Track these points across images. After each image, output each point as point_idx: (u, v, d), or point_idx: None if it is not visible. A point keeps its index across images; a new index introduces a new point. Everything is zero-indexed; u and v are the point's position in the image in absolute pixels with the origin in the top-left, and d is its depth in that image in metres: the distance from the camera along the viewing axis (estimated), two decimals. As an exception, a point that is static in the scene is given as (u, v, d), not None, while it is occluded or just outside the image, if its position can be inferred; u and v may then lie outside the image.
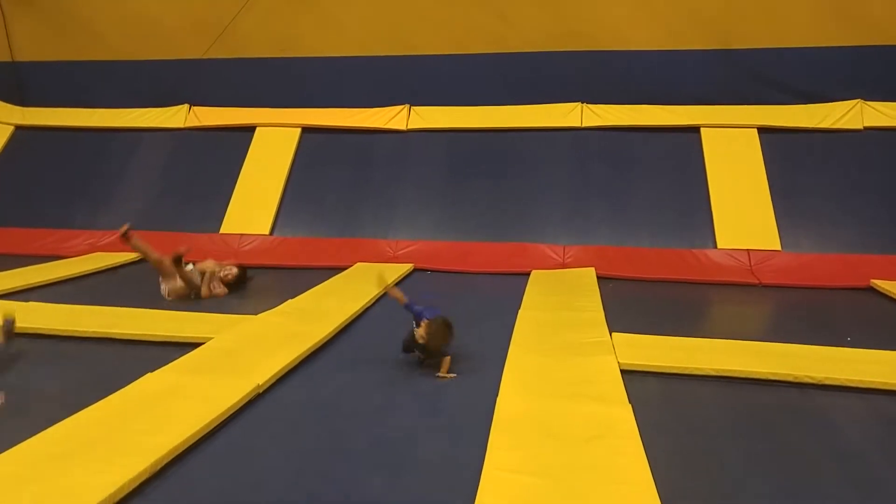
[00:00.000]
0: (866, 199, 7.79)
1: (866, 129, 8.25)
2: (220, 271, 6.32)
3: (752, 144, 8.38)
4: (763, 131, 8.43)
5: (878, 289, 6.55)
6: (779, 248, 7.53)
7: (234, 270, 6.36)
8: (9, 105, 10.19)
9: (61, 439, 2.92)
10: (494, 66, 9.25)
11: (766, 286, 6.90)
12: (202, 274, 6.17)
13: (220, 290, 6.21)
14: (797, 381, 3.87)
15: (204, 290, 6.07)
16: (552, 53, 9.07)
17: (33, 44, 10.17)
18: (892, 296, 6.24)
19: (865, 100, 8.37)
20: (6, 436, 2.93)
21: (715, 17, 8.64)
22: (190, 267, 6.10)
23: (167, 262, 5.92)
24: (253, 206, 8.70)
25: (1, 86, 10.27)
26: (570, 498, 2.51)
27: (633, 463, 2.74)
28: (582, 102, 8.98)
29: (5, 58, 10.26)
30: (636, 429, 3.04)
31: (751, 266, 7.38)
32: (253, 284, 6.67)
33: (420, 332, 3.99)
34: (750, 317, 6.11)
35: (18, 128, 9.99)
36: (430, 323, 3.98)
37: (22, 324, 4.79)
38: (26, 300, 5.62)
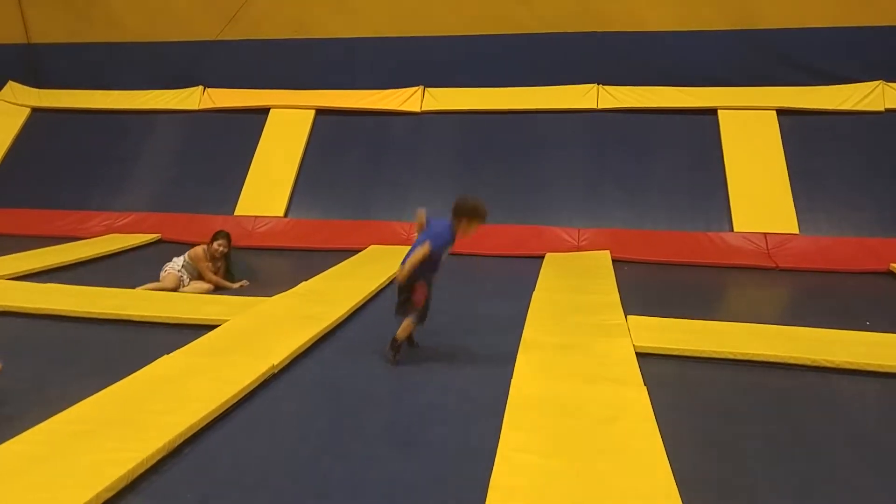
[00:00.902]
0: (886, 182, 7.67)
1: (888, 110, 8.11)
2: (208, 254, 6.00)
3: (770, 126, 8.26)
4: (781, 113, 8.32)
5: (897, 273, 6.47)
6: (797, 231, 7.45)
7: (222, 244, 6.01)
8: (25, 87, 10.28)
9: (80, 419, 2.95)
10: (509, 47, 9.17)
11: (783, 270, 6.83)
12: (198, 263, 5.95)
13: (218, 277, 5.99)
14: (815, 364, 3.83)
15: (213, 278, 5.95)
16: (567, 34, 8.97)
17: (49, 26, 10.22)
18: (912, 280, 6.16)
19: (887, 81, 8.21)
20: (27, 416, 2.98)
21: (734, -4, 8.49)
22: (180, 263, 5.97)
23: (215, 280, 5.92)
24: (267, 188, 8.72)
25: (17, 68, 10.34)
26: (584, 479, 2.51)
27: (649, 444, 2.73)
28: (598, 84, 8.89)
29: (21, 40, 10.31)
30: (651, 411, 3.03)
31: (768, 249, 7.30)
32: (267, 266, 6.69)
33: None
34: (767, 300, 6.06)
35: (35, 110, 10.06)
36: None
37: (41, 305, 4.87)
38: (45, 282, 5.69)
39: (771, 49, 8.57)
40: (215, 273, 5.99)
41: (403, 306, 3.91)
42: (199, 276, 5.95)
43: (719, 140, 8.29)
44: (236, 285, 5.99)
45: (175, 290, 5.75)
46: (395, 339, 3.89)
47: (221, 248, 5.99)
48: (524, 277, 6.00)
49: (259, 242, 7.98)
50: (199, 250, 5.97)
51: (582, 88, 8.90)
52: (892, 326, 4.57)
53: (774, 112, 8.33)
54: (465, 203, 3.80)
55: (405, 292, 3.87)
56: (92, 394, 3.21)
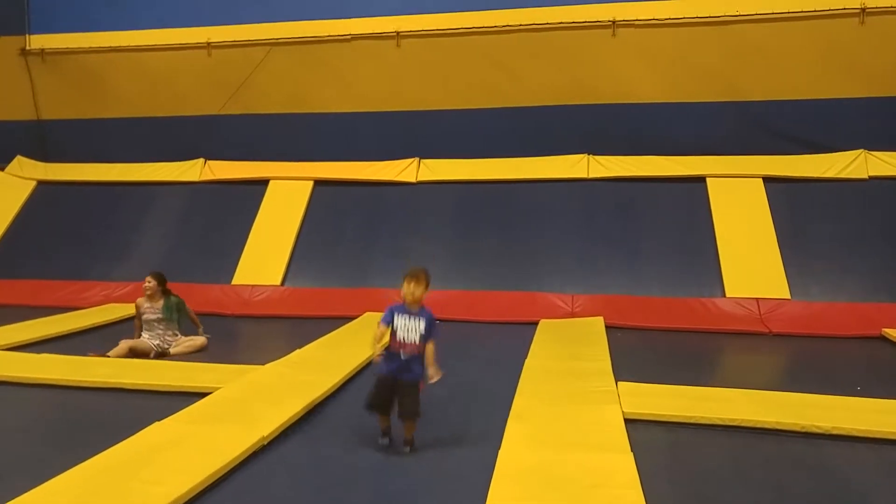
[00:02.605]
0: (874, 247, 7.80)
1: (871, 178, 8.33)
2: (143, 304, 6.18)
3: (757, 193, 8.45)
4: (768, 181, 8.52)
5: (889, 337, 6.50)
6: (788, 296, 7.51)
7: (149, 280, 6.18)
8: (32, 161, 10.57)
9: (67, 488, 2.94)
10: (502, 119, 9.50)
11: (776, 335, 6.86)
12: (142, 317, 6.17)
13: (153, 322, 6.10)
14: (804, 430, 3.83)
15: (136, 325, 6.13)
16: (559, 107, 9.31)
17: (58, 103, 10.62)
18: (904, 344, 6.18)
19: (869, 150, 8.46)
20: (12, 486, 2.96)
21: (719, 70, 8.86)
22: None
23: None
24: (265, 257, 8.84)
25: (26, 143, 10.66)
26: (569, 549, 2.49)
27: (633, 512, 2.72)
28: (588, 154, 9.14)
29: (31, 116, 10.67)
30: (637, 477, 3.02)
31: (760, 315, 7.35)
32: (263, 334, 6.72)
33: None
34: (759, 366, 6.07)
35: (40, 182, 10.31)
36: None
37: (33, 374, 4.89)
38: (40, 352, 5.71)
39: (757, 119, 8.87)
40: (168, 326, 6.15)
41: (413, 407, 3.62)
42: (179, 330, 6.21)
43: (709, 207, 8.47)
44: (180, 347, 6.08)
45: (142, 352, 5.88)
46: (410, 441, 3.67)
47: (148, 284, 6.15)
48: (517, 344, 6.03)
49: (256, 311, 8.04)
50: (138, 299, 6.26)
51: (573, 158, 9.16)
52: (884, 392, 4.58)
53: (761, 179, 8.54)
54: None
55: (413, 393, 3.63)
56: (80, 462, 3.20)
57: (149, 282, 6.21)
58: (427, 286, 3.73)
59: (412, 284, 3.67)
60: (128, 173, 10.15)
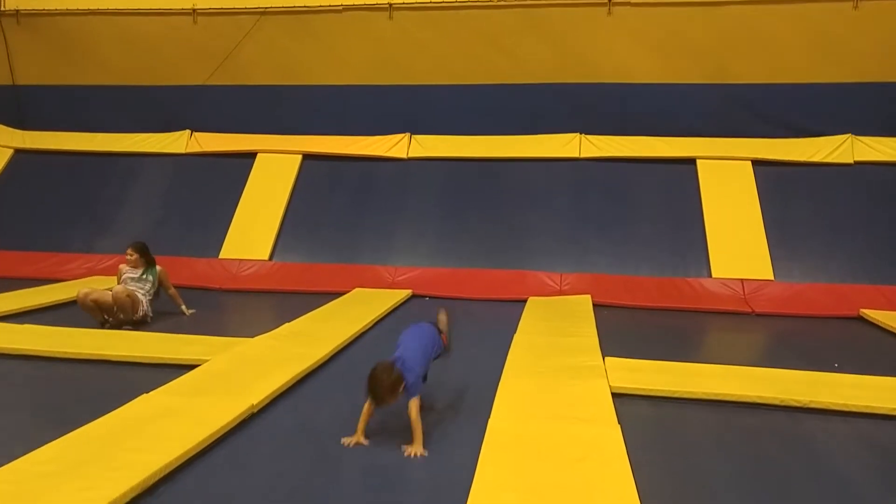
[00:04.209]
0: (856, 231, 7.92)
1: (857, 163, 8.41)
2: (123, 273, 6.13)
3: (746, 176, 8.51)
4: (757, 164, 8.57)
5: (867, 318, 6.65)
6: (772, 277, 7.61)
7: (130, 252, 6.13)
8: (9, 128, 10.29)
9: (53, 458, 2.93)
10: (494, 96, 9.43)
11: (758, 315, 6.97)
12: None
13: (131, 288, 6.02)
14: (783, 403, 3.92)
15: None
16: (551, 85, 9.26)
17: (35, 67, 10.29)
18: (881, 325, 6.32)
19: (856, 135, 8.53)
20: (-1, 454, 2.95)
21: (711, 52, 8.84)
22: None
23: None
24: (253, 231, 8.78)
25: (1, 109, 10.37)
26: (557, 517, 2.54)
27: (619, 482, 2.77)
28: (580, 133, 9.13)
29: (6, 81, 10.39)
30: (624, 449, 3.08)
31: (744, 295, 7.44)
32: (250, 308, 6.70)
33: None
34: (742, 344, 6.17)
35: (18, 151, 10.08)
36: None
37: (16, 346, 4.84)
38: (22, 323, 5.64)
39: (747, 103, 8.89)
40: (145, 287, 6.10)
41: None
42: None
43: (698, 188, 8.52)
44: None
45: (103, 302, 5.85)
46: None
47: (129, 258, 6.10)
48: (506, 321, 6.06)
49: (243, 285, 8.00)
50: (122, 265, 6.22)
51: (565, 137, 9.14)
52: (859, 368, 4.69)
53: (750, 162, 8.60)
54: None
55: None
56: (66, 433, 3.19)
57: (130, 255, 6.14)
58: (394, 392, 3.22)
59: (378, 403, 3.26)
60: (110, 143, 9.94)
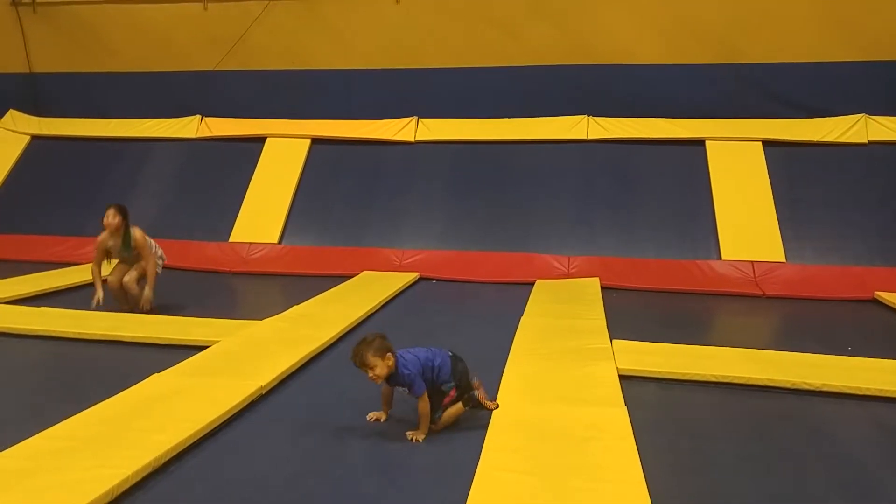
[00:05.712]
0: (870, 212, 7.81)
1: (871, 142, 8.29)
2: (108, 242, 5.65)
3: (756, 157, 8.41)
4: (767, 144, 8.47)
5: (881, 300, 6.56)
6: (783, 259, 7.54)
7: (109, 215, 5.54)
8: (25, 115, 10.42)
9: (66, 436, 2.99)
10: (501, 79, 9.37)
11: (769, 297, 6.91)
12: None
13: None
14: (794, 387, 3.89)
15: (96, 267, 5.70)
16: (558, 67, 9.18)
17: (50, 56, 10.42)
18: (896, 307, 6.25)
19: (869, 114, 8.41)
20: (12, 432, 3.01)
21: (720, 32, 8.73)
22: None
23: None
24: (262, 215, 8.81)
25: (18, 97, 10.51)
26: (561, 496, 2.55)
27: (626, 463, 2.78)
28: (588, 115, 9.06)
29: (23, 69, 10.50)
30: (630, 430, 3.08)
31: (755, 277, 7.39)
32: (260, 291, 6.74)
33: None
34: (752, 327, 6.13)
35: (35, 137, 10.19)
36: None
37: (33, 326, 4.92)
38: (38, 306, 5.73)
39: (757, 83, 8.78)
40: (132, 264, 5.72)
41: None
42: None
43: (707, 170, 8.44)
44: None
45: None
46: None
47: (108, 220, 5.51)
48: (514, 303, 6.07)
49: (253, 268, 8.05)
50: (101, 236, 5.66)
51: (572, 119, 9.08)
52: (874, 352, 4.63)
53: (760, 143, 8.49)
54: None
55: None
56: (78, 412, 3.25)
57: (108, 217, 5.53)
58: (378, 354, 3.15)
59: (358, 361, 3.20)
60: (123, 129, 10.03)
